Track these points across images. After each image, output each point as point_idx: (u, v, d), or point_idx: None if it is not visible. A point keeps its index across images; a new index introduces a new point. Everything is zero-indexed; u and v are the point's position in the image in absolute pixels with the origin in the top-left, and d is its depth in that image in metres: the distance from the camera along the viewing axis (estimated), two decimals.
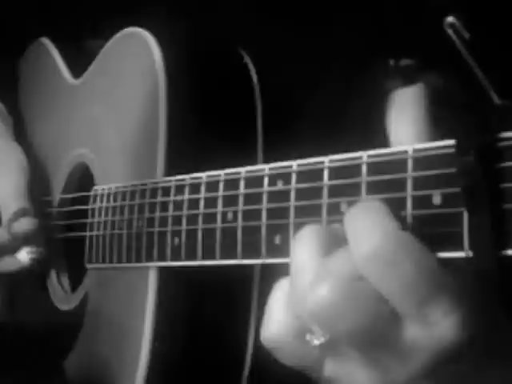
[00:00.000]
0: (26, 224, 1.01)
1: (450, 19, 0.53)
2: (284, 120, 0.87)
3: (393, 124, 0.57)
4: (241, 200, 0.69)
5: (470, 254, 0.49)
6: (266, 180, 0.67)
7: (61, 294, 1.09)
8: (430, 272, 0.51)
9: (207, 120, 0.88)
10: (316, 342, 0.55)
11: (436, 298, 0.51)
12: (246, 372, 0.87)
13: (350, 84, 0.77)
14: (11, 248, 1.02)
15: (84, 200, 1.01)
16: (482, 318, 0.52)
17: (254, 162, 0.84)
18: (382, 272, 0.51)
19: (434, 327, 0.51)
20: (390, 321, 0.52)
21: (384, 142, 0.56)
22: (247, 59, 0.91)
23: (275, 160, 0.66)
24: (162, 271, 0.85)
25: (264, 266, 0.83)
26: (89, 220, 0.98)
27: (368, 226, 0.52)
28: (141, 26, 0.94)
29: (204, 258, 0.75)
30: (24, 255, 1.00)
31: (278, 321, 0.58)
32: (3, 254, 1.01)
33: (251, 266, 0.84)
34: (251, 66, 0.91)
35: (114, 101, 0.99)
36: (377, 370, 0.53)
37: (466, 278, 0.51)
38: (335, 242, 0.56)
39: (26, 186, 1.04)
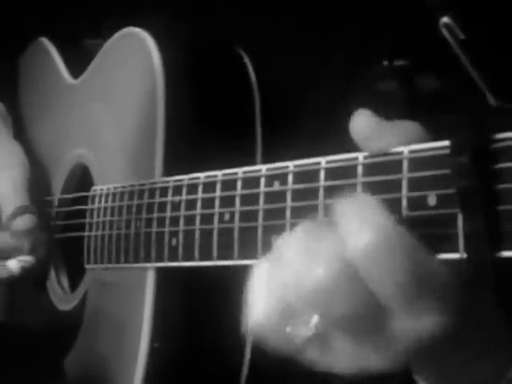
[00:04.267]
0: (25, 221, 1.01)
1: (445, 20, 0.53)
2: (282, 120, 0.86)
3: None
4: (238, 201, 0.69)
5: (465, 255, 0.49)
6: (262, 181, 0.67)
7: (60, 294, 1.09)
8: (421, 269, 0.51)
9: (205, 120, 0.89)
10: (299, 332, 0.55)
11: (426, 295, 0.51)
12: (245, 372, 0.87)
13: (348, 84, 0.77)
14: (9, 252, 1.01)
15: (83, 200, 1.01)
16: (469, 318, 0.52)
17: (252, 163, 0.84)
18: (374, 268, 0.51)
19: (419, 319, 0.51)
20: (377, 308, 0.52)
21: None
22: (246, 59, 0.91)
23: (274, 160, 0.66)
24: (160, 271, 0.85)
25: None
26: (87, 220, 0.98)
27: (361, 221, 0.52)
28: (139, 26, 0.95)
29: (201, 258, 0.75)
30: (14, 263, 1.00)
31: (260, 306, 0.58)
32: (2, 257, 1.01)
33: (249, 267, 0.83)
34: (250, 66, 0.91)
35: (113, 101, 0.99)
36: (360, 356, 0.53)
37: (458, 277, 0.51)
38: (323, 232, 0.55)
39: (26, 183, 1.04)
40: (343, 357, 0.54)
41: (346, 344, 0.54)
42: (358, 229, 0.51)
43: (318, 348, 0.55)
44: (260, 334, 0.58)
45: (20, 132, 1.17)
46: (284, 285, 0.55)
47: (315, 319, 0.54)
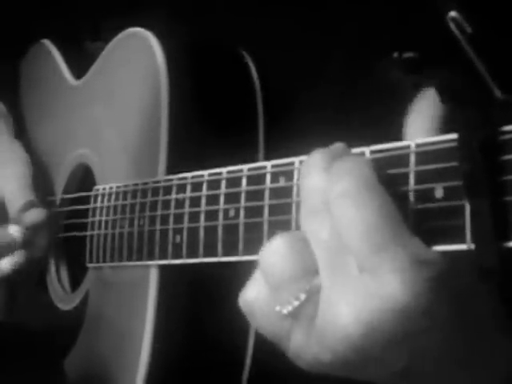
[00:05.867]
0: (36, 214, 1.00)
1: (453, 13, 0.54)
2: (285, 117, 0.87)
3: (410, 122, 0.58)
4: (243, 197, 0.70)
5: (472, 246, 0.50)
6: (268, 177, 0.67)
7: (61, 294, 1.09)
8: (392, 222, 0.52)
9: (209, 119, 0.89)
10: (284, 311, 0.56)
11: (390, 249, 0.51)
12: (246, 373, 0.87)
13: (352, 79, 0.77)
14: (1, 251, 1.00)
15: (85, 200, 1.01)
16: (467, 313, 0.52)
17: (255, 160, 0.85)
18: (348, 209, 0.52)
19: (381, 277, 0.50)
20: (345, 263, 0.53)
21: (386, 137, 0.56)
22: (247, 58, 0.92)
23: (277, 157, 0.67)
24: (163, 271, 0.85)
25: None
26: (90, 219, 0.98)
27: (346, 168, 0.54)
28: (141, 26, 0.95)
29: (205, 255, 0.75)
30: (5, 263, 0.99)
31: (254, 286, 0.59)
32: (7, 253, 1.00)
33: (253, 265, 0.84)
34: (251, 65, 0.91)
35: (116, 101, 1.00)
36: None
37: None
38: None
39: (30, 179, 1.03)
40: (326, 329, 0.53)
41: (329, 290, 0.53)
42: (342, 174, 0.54)
43: (304, 329, 0.55)
44: (249, 312, 0.59)
45: (22, 133, 1.18)
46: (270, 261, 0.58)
47: (307, 286, 0.55)
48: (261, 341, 0.85)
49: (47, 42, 1.20)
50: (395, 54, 0.56)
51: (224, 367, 0.87)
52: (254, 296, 0.59)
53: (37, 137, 1.19)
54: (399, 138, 0.56)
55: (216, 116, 0.89)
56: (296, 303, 0.55)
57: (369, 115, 0.66)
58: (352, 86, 0.76)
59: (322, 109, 0.82)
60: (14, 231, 0.98)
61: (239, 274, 0.83)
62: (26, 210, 1.00)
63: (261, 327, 0.59)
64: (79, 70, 1.12)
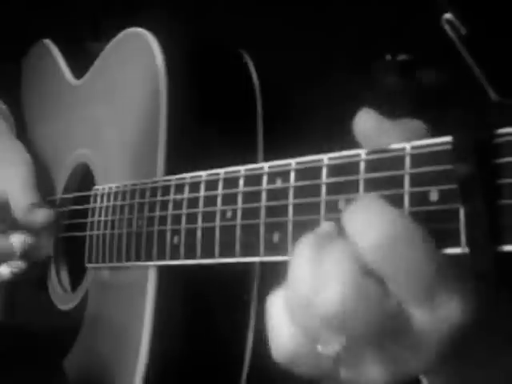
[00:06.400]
0: (42, 215, 1.00)
1: (448, 16, 0.54)
2: (284, 119, 0.87)
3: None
4: (240, 198, 0.70)
5: (467, 250, 0.49)
6: (264, 178, 0.67)
7: (61, 294, 1.09)
8: (434, 257, 0.51)
9: (207, 120, 0.89)
10: (328, 351, 0.54)
11: (440, 282, 0.51)
12: (245, 372, 0.87)
13: (350, 82, 0.77)
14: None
15: (85, 200, 1.01)
16: (484, 300, 0.53)
17: (254, 161, 0.85)
18: (389, 259, 0.51)
19: (440, 309, 0.51)
20: (398, 312, 0.52)
21: None
22: (247, 58, 0.92)
23: (276, 159, 0.67)
24: (162, 271, 0.85)
25: (263, 265, 0.83)
26: (89, 219, 0.98)
27: (370, 219, 0.52)
28: (141, 26, 0.95)
29: (203, 256, 0.75)
30: (4, 268, 0.99)
31: (286, 337, 0.57)
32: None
33: (250, 265, 0.84)
34: (251, 66, 0.91)
35: (115, 101, 1.00)
36: (393, 364, 0.53)
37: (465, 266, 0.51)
38: (329, 241, 0.55)
39: (32, 181, 1.04)
40: (376, 373, 0.54)
41: (377, 355, 0.53)
42: (368, 225, 0.52)
43: (351, 364, 0.54)
44: (289, 361, 0.57)
45: (23, 132, 1.18)
46: (303, 310, 0.55)
47: (333, 339, 0.54)
48: (259, 342, 0.86)
49: (48, 42, 1.21)
50: (388, 57, 0.55)
51: (222, 368, 0.87)
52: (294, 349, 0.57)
53: (37, 136, 1.19)
54: None
55: (215, 116, 0.89)
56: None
57: None
58: (352, 87, 0.76)
59: (321, 110, 0.82)
60: (14, 241, 0.98)
61: (237, 275, 0.83)
62: (32, 211, 1.00)
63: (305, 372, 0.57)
64: (79, 69, 1.12)
